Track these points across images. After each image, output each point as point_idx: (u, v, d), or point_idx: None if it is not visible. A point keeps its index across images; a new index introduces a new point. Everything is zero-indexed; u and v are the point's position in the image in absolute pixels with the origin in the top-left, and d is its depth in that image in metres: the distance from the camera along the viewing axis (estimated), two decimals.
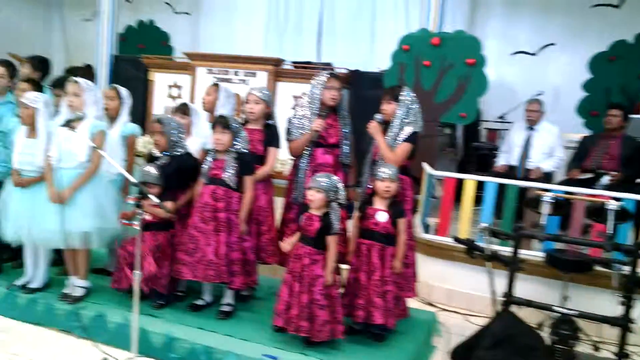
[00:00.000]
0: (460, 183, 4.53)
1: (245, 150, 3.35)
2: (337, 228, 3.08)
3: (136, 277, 2.76)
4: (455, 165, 7.06)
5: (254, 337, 3.14)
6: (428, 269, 4.51)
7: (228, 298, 3.48)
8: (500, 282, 3.36)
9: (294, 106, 6.04)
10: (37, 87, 3.87)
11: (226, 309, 3.43)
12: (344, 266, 3.47)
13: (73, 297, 3.44)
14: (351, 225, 3.37)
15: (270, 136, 3.60)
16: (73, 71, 8.57)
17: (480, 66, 5.44)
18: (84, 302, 3.47)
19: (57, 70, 8.71)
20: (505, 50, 7.43)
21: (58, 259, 3.98)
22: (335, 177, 3.12)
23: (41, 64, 4.56)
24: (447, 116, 5.66)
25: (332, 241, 3.05)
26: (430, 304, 4.40)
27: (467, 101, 5.51)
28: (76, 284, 3.54)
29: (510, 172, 5.31)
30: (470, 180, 4.45)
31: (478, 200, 4.50)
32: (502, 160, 5.53)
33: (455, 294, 4.42)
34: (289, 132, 3.65)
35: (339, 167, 3.63)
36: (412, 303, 4.02)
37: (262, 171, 3.54)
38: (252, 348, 3.01)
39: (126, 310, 3.26)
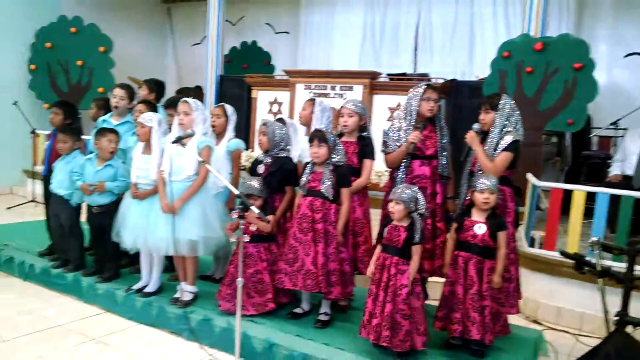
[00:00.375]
0: (568, 194, 4.28)
1: (341, 163, 3.42)
2: (421, 238, 3.08)
3: (239, 284, 2.90)
4: (563, 176, 6.66)
5: (350, 347, 3.16)
6: (534, 285, 4.29)
7: (325, 307, 3.54)
8: (614, 301, 3.11)
9: (390, 118, 6.05)
10: (152, 107, 4.21)
11: (323, 318, 3.50)
12: (437, 279, 3.42)
13: (183, 302, 3.67)
14: (448, 237, 3.31)
15: (364, 148, 3.63)
16: (184, 91, 9.26)
17: (589, 70, 5.13)
18: (193, 306, 3.68)
19: (170, 92, 9.44)
20: (616, 53, 6.94)
21: (169, 265, 4.30)
22: (415, 188, 3.12)
23: (157, 86, 4.95)
24: (553, 123, 5.38)
25: (416, 251, 3.06)
26: (537, 322, 4.18)
27: (574, 107, 5.21)
28: (185, 289, 3.77)
29: (625, 182, 4.92)
30: (580, 191, 4.19)
31: (588, 212, 4.22)
32: (616, 169, 5.15)
33: (564, 312, 4.15)
34: (385, 144, 3.66)
35: (437, 178, 3.57)
36: (516, 320, 3.86)
37: (357, 183, 3.58)
38: (348, 358, 3.03)
39: (230, 317, 3.44)
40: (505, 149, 3.28)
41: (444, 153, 3.59)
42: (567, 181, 6.35)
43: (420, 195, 3.10)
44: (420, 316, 3.06)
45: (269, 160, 3.72)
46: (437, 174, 3.58)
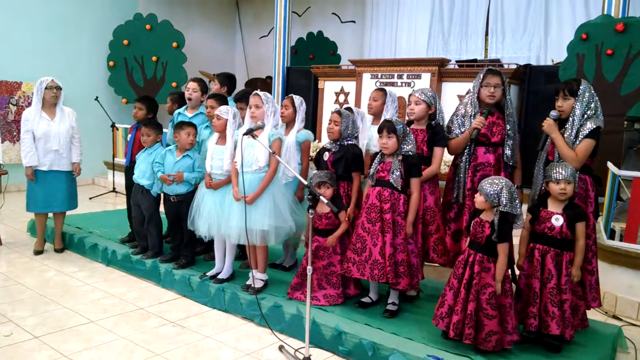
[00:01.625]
0: None
1: (411, 153, 3.39)
2: (508, 237, 2.94)
3: (309, 272, 2.95)
4: None
5: (418, 337, 3.16)
6: (613, 278, 4.10)
7: (393, 297, 3.54)
8: None
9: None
10: (222, 100, 4.35)
11: (391, 308, 3.50)
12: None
13: (254, 289, 3.79)
14: (522, 229, 3.21)
15: (434, 136, 3.57)
16: (253, 82, 9.47)
17: None
18: (263, 293, 3.79)
19: (239, 84, 9.67)
20: None
21: (242, 253, 4.44)
22: (505, 181, 2.94)
23: (228, 80, 5.08)
24: (636, 109, 5.07)
25: (502, 249, 2.92)
26: (616, 317, 3.99)
27: None
28: (256, 277, 3.89)
29: None
30: None
31: None
32: None
33: None
34: (449, 130, 3.61)
35: (501, 167, 3.47)
36: (594, 315, 3.71)
37: (428, 171, 3.54)
38: (417, 347, 3.02)
39: (300, 304, 3.52)
40: (586, 136, 3.13)
41: (509, 141, 3.47)
42: None
43: (507, 191, 2.90)
44: (508, 314, 2.96)
45: (336, 147, 3.75)
46: (501, 162, 3.48)
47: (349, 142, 3.75)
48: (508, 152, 3.47)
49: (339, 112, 3.75)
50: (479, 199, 2.98)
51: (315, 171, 3.74)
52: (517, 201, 2.96)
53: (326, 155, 3.79)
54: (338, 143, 3.75)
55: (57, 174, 4.97)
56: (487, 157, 3.49)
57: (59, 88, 4.91)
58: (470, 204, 3.55)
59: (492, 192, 2.91)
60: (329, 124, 3.79)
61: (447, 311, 3.00)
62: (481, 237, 2.95)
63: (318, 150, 3.97)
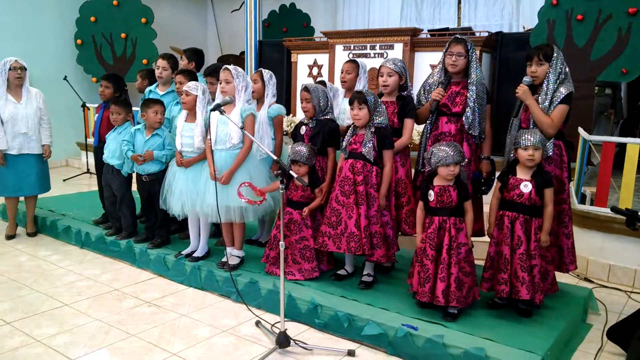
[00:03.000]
0: (623, 148, 4.09)
1: (384, 125, 3.37)
2: (470, 192, 3.10)
3: (282, 247, 2.94)
4: (618, 129, 6.36)
5: (393, 307, 3.19)
6: (584, 242, 4.18)
7: (369, 269, 3.57)
8: None
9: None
10: (192, 76, 4.25)
11: (367, 279, 3.53)
12: (481, 239, 3.38)
13: (230, 265, 3.78)
14: (491, 197, 3.24)
15: (404, 107, 3.54)
16: (226, 58, 9.31)
17: None
18: (239, 269, 3.79)
19: (212, 59, 9.50)
20: None
21: (216, 231, 4.42)
22: (454, 144, 3.10)
23: (195, 55, 4.97)
24: (606, 74, 5.11)
25: (469, 205, 3.08)
26: (587, 280, 4.08)
27: (629, 55, 4.92)
28: (233, 254, 3.88)
29: None
30: (635, 145, 4.00)
31: None
32: None
33: (615, 269, 4.05)
34: (418, 100, 3.60)
35: (463, 136, 3.46)
36: (566, 278, 3.79)
37: (399, 143, 3.52)
38: (392, 317, 3.06)
39: (276, 279, 3.53)
40: (561, 102, 3.13)
41: (470, 111, 3.40)
42: (622, 134, 6.08)
43: (459, 147, 3.08)
44: (473, 267, 3.09)
45: (313, 123, 3.72)
46: (463, 132, 3.46)
47: (326, 116, 3.71)
48: (469, 121, 3.38)
49: (306, 89, 3.69)
50: (456, 170, 3.02)
51: (292, 146, 3.69)
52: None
53: (303, 129, 3.76)
54: (314, 118, 3.71)
55: (27, 157, 4.85)
56: (448, 127, 3.48)
57: (23, 69, 4.76)
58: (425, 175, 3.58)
59: (462, 157, 3.03)
60: (302, 103, 3.74)
61: (432, 283, 3.01)
62: (450, 201, 3.02)
63: (296, 124, 3.92)
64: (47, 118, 4.95)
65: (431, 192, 3.07)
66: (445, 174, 3.01)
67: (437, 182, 3.07)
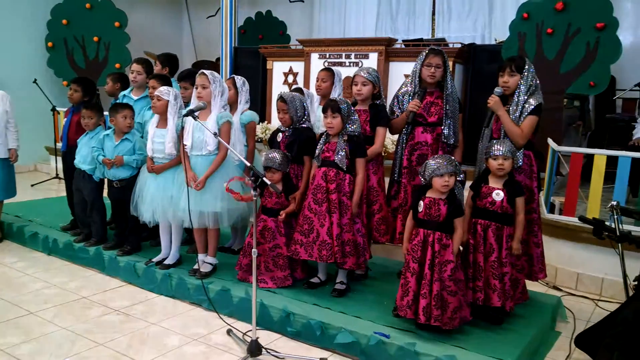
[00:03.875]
0: (591, 159, 4.18)
1: (356, 133, 3.38)
2: (463, 209, 3.01)
3: (254, 255, 2.92)
4: (586, 140, 6.52)
5: (366, 315, 3.18)
6: (553, 250, 4.25)
7: (342, 277, 3.56)
8: (633, 266, 3.07)
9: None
10: (165, 81, 4.20)
11: (340, 287, 3.52)
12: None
13: (201, 273, 3.72)
14: (465, 205, 3.27)
15: (377, 115, 3.57)
16: (200, 64, 9.23)
17: (612, 30, 4.96)
18: (211, 277, 3.74)
19: (186, 65, 9.42)
20: None
21: (188, 238, 4.36)
22: (451, 158, 3.01)
23: (168, 61, 4.92)
24: (575, 87, 5.25)
25: (459, 222, 2.97)
26: (556, 288, 4.15)
27: (597, 69, 5.06)
28: (206, 261, 3.83)
29: None
30: (601, 155, 4.10)
31: (611, 177, 4.13)
32: None
33: (583, 278, 4.12)
34: (391, 110, 3.63)
35: (439, 146, 3.52)
36: (535, 286, 3.84)
37: (371, 151, 3.53)
38: (364, 325, 3.05)
39: (249, 287, 3.49)
40: (530, 113, 3.18)
41: (448, 121, 3.51)
42: (590, 145, 6.23)
43: (457, 162, 3.01)
44: (464, 287, 3.02)
45: (289, 131, 3.70)
46: (439, 142, 3.52)
47: (302, 125, 3.70)
48: (446, 131, 3.51)
49: (282, 100, 3.66)
50: (452, 180, 2.93)
51: (265, 152, 3.67)
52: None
53: (279, 137, 3.75)
54: (291, 127, 3.70)
55: None
56: (424, 137, 3.53)
57: None
58: (405, 182, 3.60)
59: (456, 167, 2.96)
60: (278, 113, 3.72)
61: (413, 299, 2.95)
62: (438, 215, 2.94)
63: (272, 130, 3.90)
64: (14, 121, 4.83)
65: (421, 203, 2.99)
66: (439, 185, 2.92)
67: (429, 193, 2.99)
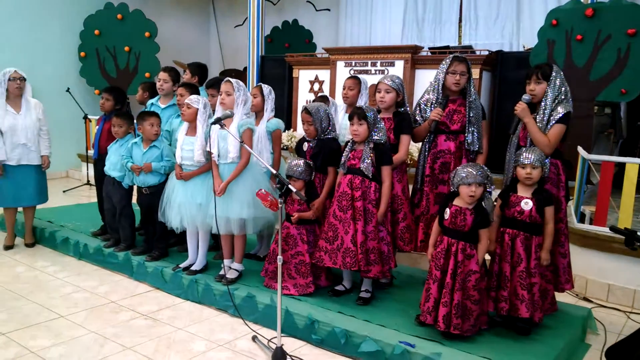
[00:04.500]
0: (623, 167, 4.09)
1: (382, 141, 3.38)
2: (489, 221, 2.98)
3: (279, 262, 2.93)
4: (618, 148, 6.38)
5: (391, 324, 3.17)
6: (583, 261, 4.17)
7: (367, 285, 3.55)
8: None
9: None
10: (193, 90, 4.28)
11: (365, 295, 3.51)
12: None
13: (227, 279, 3.76)
14: (493, 214, 3.23)
15: (401, 123, 3.56)
16: (228, 73, 9.36)
17: None
18: (237, 283, 3.77)
19: (214, 74, 9.55)
20: None
21: (214, 245, 4.41)
22: (484, 168, 3.00)
23: (199, 69, 5.01)
24: (606, 94, 5.15)
25: (485, 234, 2.95)
26: (586, 299, 4.06)
27: (628, 76, 4.96)
28: (232, 267, 3.86)
29: None
30: (633, 164, 4.00)
31: None
32: None
33: (615, 289, 4.02)
34: (414, 118, 3.62)
35: (462, 154, 3.49)
36: (565, 298, 3.77)
37: (395, 158, 3.51)
38: (389, 334, 3.03)
39: (274, 293, 3.50)
40: (558, 121, 3.13)
41: (472, 128, 3.47)
42: (622, 154, 6.09)
43: (488, 173, 2.98)
44: (485, 296, 3.02)
45: (314, 142, 3.70)
46: (463, 149, 3.49)
47: (328, 136, 3.69)
48: (469, 138, 3.48)
49: (307, 111, 3.65)
50: (479, 191, 2.91)
51: (290, 160, 3.69)
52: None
53: (305, 146, 3.76)
54: (316, 138, 3.70)
55: (25, 168, 4.86)
56: (447, 145, 3.51)
57: (22, 79, 4.79)
58: (427, 190, 3.57)
59: (484, 177, 2.93)
60: (303, 125, 3.71)
61: (433, 305, 2.97)
62: (463, 224, 2.93)
63: (299, 139, 3.91)
64: (46, 129, 4.97)
65: (447, 211, 2.99)
66: (465, 194, 2.91)
67: (456, 201, 2.99)
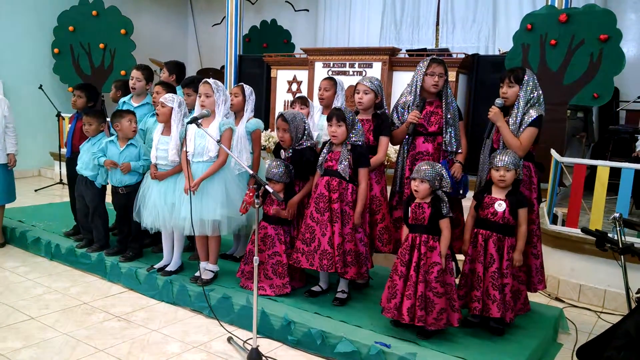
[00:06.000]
0: (595, 170, 4.18)
1: (360, 143, 3.38)
2: (448, 211, 3.02)
3: (255, 263, 2.92)
4: (590, 151, 6.51)
5: (367, 324, 3.18)
6: (556, 262, 4.24)
7: (343, 286, 3.55)
8: (636, 278, 3.06)
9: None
10: (170, 88, 4.23)
11: (341, 296, 3.51)
12: (459, 256, 3.39)
13: (203, 280, 3.72)
14: (467, 215, 3.27)
15: (380, 125, 3.57)
16: (205, 72, 9.30)
17: (616, 42, 4.97)
18: (213, 284, 3.74)
19: (191, 72, 9.46)
20: None
21: (190, 245, 4.37)
22: (438, 166, 3.06)
23: (176, 68, 4.93)
24: (578, 98, 5.25)
25: (444, 224, 3.01)
26: (558, 299, 4.13)
27: (600, 81, 5.07)
28: (207, 268, 3.83)
29: None
30: (604, 167, 4.09)
31: (614, 188, 4.12)
32: None
33: (586, 290, 4.10)
34: (391, 121, 3.64)
35: (440, 155, 3.53)
36: (537, 298, 3.83)
37: (374, 160, 3.54)
38: (365, 335, 3.04)
39: (250, 294, 3.48)
40: (530, 124, 3.17)
41: (449, 129, 3.51)
42: (594, 157, 6.22)
43: (444, 173, 3.04)
44: (454, 292, 3.04)
45: (289, 153, 3.65)
46: (441, 150, 3.53)
47: (302, 146, 3.63)
48: (447, 138, 3.52)
49: (283, 118, 3.58)
50: (422, 187, 3.00)
51: (269, 163, 3.67)
52: (448, 179, 3.09)
53: (282, 154, 3.70)
54: (291, 148, 3.65)
55: None
56: (425, 147, 3.54)
57: None
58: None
59: (434, 176, 2.98)
60: (278, 131, 3.64)
61: (400, 300, 3.00)
62: (423, 217, 3.01)
63: (276, 144, 3.87)
64: (13, 126, 4.84)
65: (409, 209, 3.09)
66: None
67: (416, 199, 3.07)
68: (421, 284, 2.95)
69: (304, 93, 6.71)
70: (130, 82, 4.58)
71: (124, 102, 4.65)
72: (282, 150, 3.72)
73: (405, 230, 3.17)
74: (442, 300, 2.96)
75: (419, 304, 2.93)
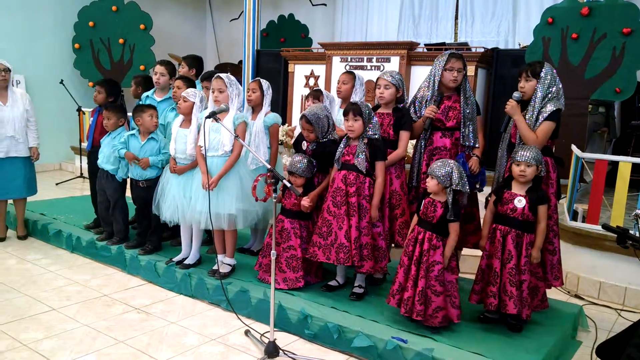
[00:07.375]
0: (614, 166, 4.12)
1: (376, 136, 3.38)
2: (459, 215, 3.01)
3: (273, 257, 2.94)
4: (611, 147, 6.41)
5: (383, 319, 3.18)
6: (575, 259, 4.19)
7: (360, 280, 3.56)
8: None
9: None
10: (190, 83, 4.27)
11: (358, 291, 3.52)
12: (473, 252, 3.37)
13: (221, 273, 3.76)
14: (486, 210, 3.24)
15: (400, 119, 3.55)
16: (223, 67, 9.33)
17: (639, 35, 4.86)
18: (230, 278, 3.77)
19: (209, 67, 9.52)
20: None
21: (208, 238, 4.40)
22: (452, 163, 2.99)
23: (195, 62, 4.98)
24: (600, 93, 5.16)
25: (454, 228, 3.00)
26: (578, 297, 4.09)
27: (623, 75, 4.98)
28: (225, 262, 3.86)
29: None
30: (626, 163, 4.03)
31: (635, 185, 4.05)
32: None
33: (606, 287, 4.05)
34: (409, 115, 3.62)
35: (458, 150, 3.50)
36: (557, 295, 3.79)
37: (394, 155, 3.53)
38: (382, 329, 3.05)
39: (267, 288, 3.50)
40: (546, 119, 3.14)
41: (467, 122, 3.49)
42: (615, 152, 6.12)
43: (459, 171, 3.00)
44: (455, 290, 3.04)
45: (313, 145, 3.64)
46: (459, 146, 3.51)
47: (327, 139, 3.62)
48: (466, 133, 3.49)
49: (307, 120, 3.54)
50: (431, 183, 3.01)
51: (292, 156, 3.67)
52: (465, 179, 3.03)
53: (304, 145, 3.70)
54: (315, 142, 3.64)
55: (14, 160, 4.83)
56: (443, 142, 3.51)
57: (7, 70, 4.73)
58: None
59: (443, 174, 2.96)
60: (302, 131, 3.63)
61: (397, 288, 3.07)
62: (432, 216, 3.00)
63: (297, 136, 3.86)
64: (34, 120, 4.92)
65: (423, 202, 3.09)
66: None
67: (432, 195, 3.06)
68: (422, 280, 2.97)
69: (322, 88, 6.70)
70: (154, 77, 4.63)
71: (147, 96, 4.71)
72: (304, 142, 3.73)
73: (415, 219, 3.17)
74: (440, 299, 2.97)
75: (418, 299, 2.96)
